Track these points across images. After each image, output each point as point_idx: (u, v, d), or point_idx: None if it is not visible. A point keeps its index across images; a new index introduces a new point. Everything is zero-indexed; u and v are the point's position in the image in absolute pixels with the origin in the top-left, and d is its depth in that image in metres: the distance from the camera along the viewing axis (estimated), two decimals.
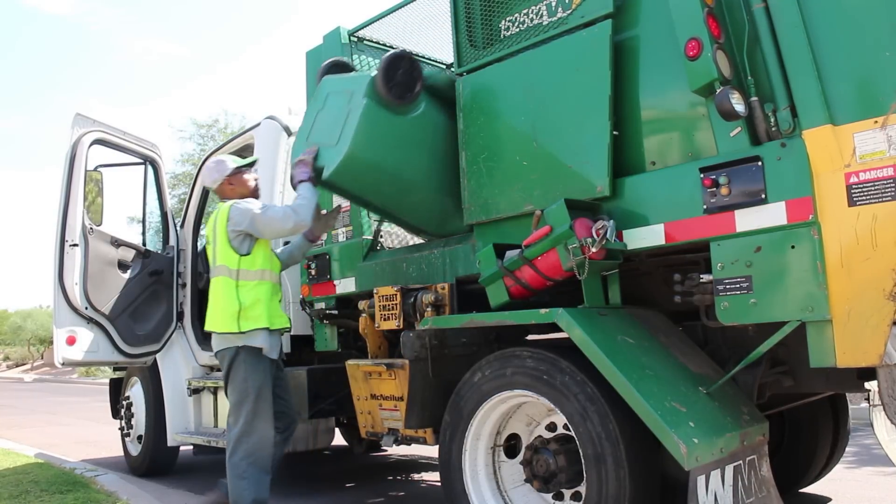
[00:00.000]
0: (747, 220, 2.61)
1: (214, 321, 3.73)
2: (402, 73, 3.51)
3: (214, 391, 5.25)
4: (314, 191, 3.71)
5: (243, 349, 3.66)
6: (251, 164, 4.05)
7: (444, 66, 4.90)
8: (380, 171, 3.63)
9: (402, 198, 3.82)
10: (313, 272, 4.47)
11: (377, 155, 3.56)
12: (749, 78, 2.67)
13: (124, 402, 5.98)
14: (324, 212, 4.17)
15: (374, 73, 3.54)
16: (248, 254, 3.74)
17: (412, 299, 3.70)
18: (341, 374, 4.04)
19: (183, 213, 5.85)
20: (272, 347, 3.74)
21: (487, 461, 3.21)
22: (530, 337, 3.63)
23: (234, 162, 3.99)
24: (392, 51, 3.75)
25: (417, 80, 3.57)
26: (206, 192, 5.66)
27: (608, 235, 2.83)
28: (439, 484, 3.40)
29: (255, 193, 3.97)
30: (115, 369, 6.48)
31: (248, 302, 3.68)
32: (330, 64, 3.98)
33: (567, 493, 3.08)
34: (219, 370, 5.30)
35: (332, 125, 3.61)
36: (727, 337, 3.12)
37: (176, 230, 5.69)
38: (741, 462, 2.65)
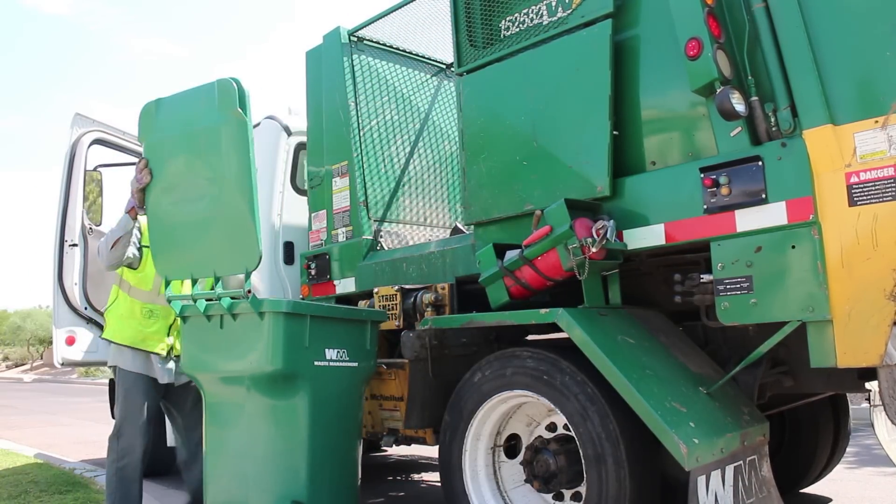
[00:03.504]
0: (748, 220, 2.61)
1: None
2: None
3: None
4: (125, 222, 3.38)
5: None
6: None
7: (444, 66, 4.91)
8: None
9: None
10: (313, 272, 4.46)
11: None
12: (749, 78, 2.67)
13: None
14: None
15: None
16: (135, 267, 3.57)
17: (412, 299, 3.70)
18: None
19: None
20: (147, 369, 3.55)
21: (487, 461, 3.21)
22: (530, 337, 3.62)
23: None
24: None
25: None
26: None
27: (608, 235, 2.82)
28: (439, 484, 3.39)
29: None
30: None
31: (117, 312, 3.57)
32: None
33: (567, 493, 3.08)
34: None
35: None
36: (728, 337, 3.12)
37: None
38: (742, 462, 2.65)
